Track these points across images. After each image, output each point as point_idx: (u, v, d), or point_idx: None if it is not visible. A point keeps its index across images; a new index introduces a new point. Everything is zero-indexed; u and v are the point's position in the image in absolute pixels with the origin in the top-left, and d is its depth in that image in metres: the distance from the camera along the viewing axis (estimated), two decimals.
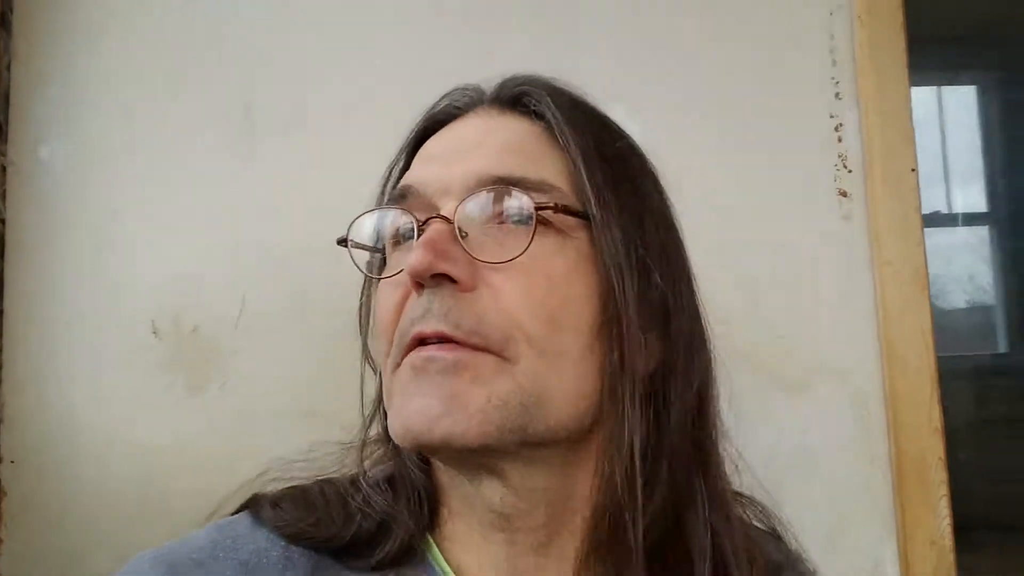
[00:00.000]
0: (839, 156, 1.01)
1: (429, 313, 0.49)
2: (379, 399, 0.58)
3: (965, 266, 3.71)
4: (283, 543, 0.52)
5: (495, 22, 1.02)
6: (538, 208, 0.50)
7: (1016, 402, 3.47)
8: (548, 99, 0.56)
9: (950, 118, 3.77)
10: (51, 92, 0.97)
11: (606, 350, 0.51)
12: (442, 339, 0.49)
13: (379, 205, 0.59)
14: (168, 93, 0.98)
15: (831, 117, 1.02)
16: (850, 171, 1.01)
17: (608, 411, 0.51)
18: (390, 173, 0.61)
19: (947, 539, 0.98)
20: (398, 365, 0.51)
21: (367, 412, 0.61)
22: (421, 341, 0.50)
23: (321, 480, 0.58)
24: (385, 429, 0.57)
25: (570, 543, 0.53)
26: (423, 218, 0.52)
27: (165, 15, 0.99)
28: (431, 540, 0.55)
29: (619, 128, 0.60)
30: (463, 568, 0.54)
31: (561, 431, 0.50)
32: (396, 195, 0.55)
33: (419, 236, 0.51)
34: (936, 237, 3.69)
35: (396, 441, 0.50)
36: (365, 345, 0.60)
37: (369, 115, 0.98)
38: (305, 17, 1.00)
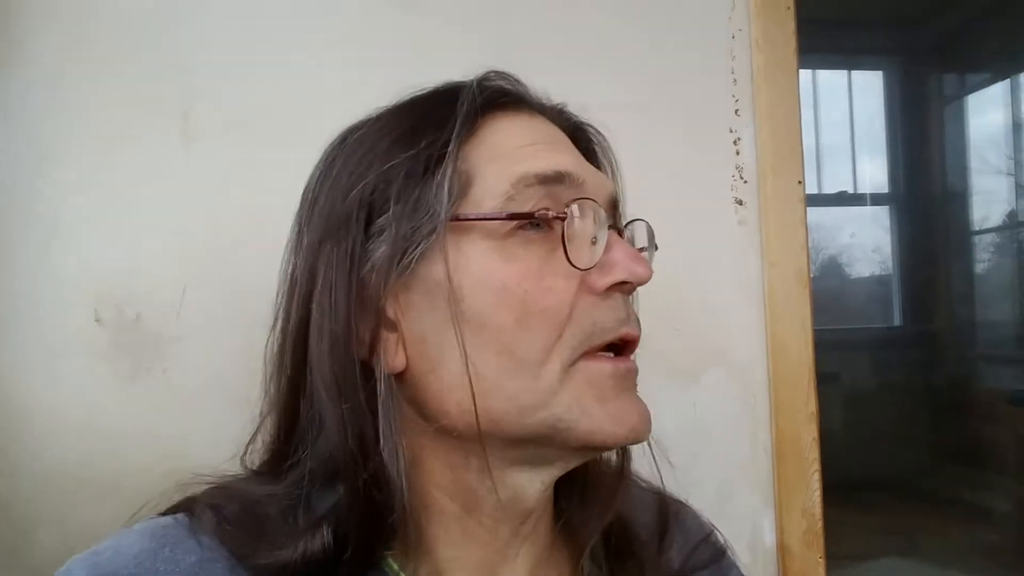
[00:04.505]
0: (736, 168, 1.12)
1: (631, 318, 0.53)
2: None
3: (872, 239, 3.94)
4: (226, 553, 0.49)
5: (439, 16, 1.07)
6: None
7: (905, 370, 3.76)
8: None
9: (858, 101, 3.97)
10: None
11: None
12: (633, 345, 0.53)
13: (419, 156, 0.53)
14: (108, 88, 1.01)
15: (731, 132, 1.12)
16: (746, 182, 1.12)
17: None
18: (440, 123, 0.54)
19: (817, 508, 1.12)
20: (572, 363, 0.50)
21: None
22: (623, 344, 0.52)
23: (246, 479, 0.55)
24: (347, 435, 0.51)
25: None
26: (608, 220, 0.55)
27: (105, 10, 1.02)
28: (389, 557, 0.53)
29: None
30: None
31: None
32: (550, 176, 0.52)
33: (617, 238, 0.54)
34: (846, 212, 3.92)
35: (604, 439, 0.49)
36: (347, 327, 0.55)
37: (306, 114, 1.02)
38: (245, 12, 1.04)
